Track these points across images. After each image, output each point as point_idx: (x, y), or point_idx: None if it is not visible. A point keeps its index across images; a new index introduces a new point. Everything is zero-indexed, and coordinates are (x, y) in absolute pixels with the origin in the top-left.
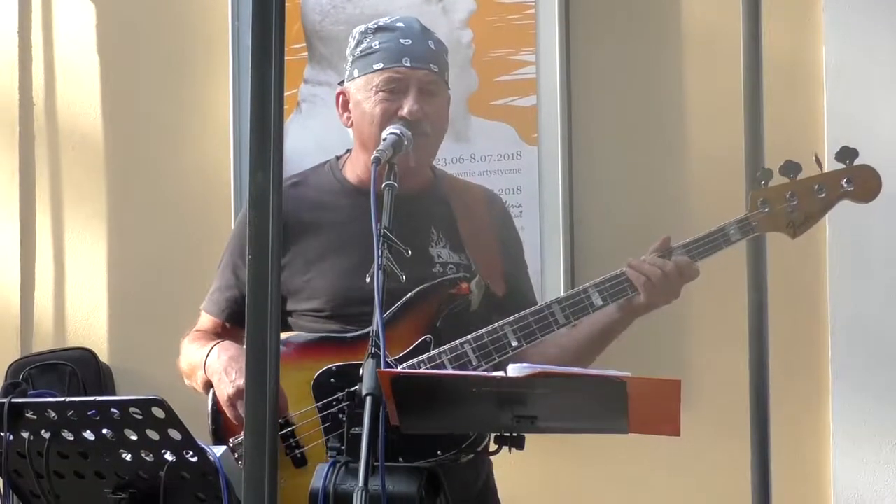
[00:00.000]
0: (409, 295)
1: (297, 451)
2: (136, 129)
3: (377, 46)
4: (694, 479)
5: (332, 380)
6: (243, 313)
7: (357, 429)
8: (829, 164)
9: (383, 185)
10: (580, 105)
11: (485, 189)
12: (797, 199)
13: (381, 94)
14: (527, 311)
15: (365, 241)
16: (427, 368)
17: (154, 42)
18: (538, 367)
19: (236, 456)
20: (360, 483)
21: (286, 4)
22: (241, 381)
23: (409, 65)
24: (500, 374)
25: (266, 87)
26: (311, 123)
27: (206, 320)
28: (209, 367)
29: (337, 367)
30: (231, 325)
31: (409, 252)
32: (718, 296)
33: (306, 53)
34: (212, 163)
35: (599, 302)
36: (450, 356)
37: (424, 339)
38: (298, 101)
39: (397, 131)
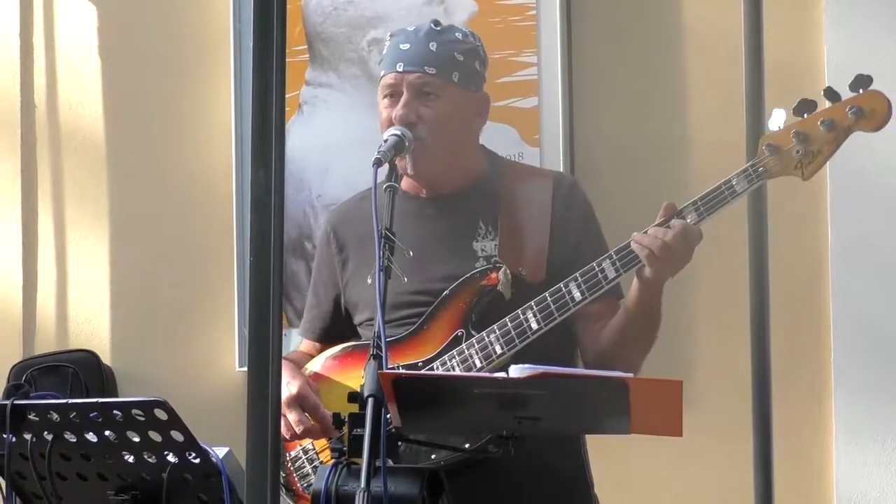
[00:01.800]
0: (444, 293)
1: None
2: (137, 130)
3: (384, 53)
4: (696, 480)
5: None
6: (330, 331)
7: (359, 430)
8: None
9: (384, 186)
10: (582, 106)
11: (553, 174)
12: (803, 137)
13: (385, 99)
14: (547, 291)
15: (408, 245)
16: (457, 362)
17: (155, 44)
18: (540, 368)
19: (291, 468)
20: (363, 484)
21: (288, 6)
22: (293, 389)
23: (401, 69)
24: (501, 375)
25: (267, 88)
26: (313, 125)
27: (302, 344)
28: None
29: None
30: (321, 343)
31: (411, 253)
32: (720, 296)
33: (308, 55)
34: (214, 165)
35: (612, 273)
36: (477, 347)
37: (456, 335)
38: (300, 103)
39: (398, 132)
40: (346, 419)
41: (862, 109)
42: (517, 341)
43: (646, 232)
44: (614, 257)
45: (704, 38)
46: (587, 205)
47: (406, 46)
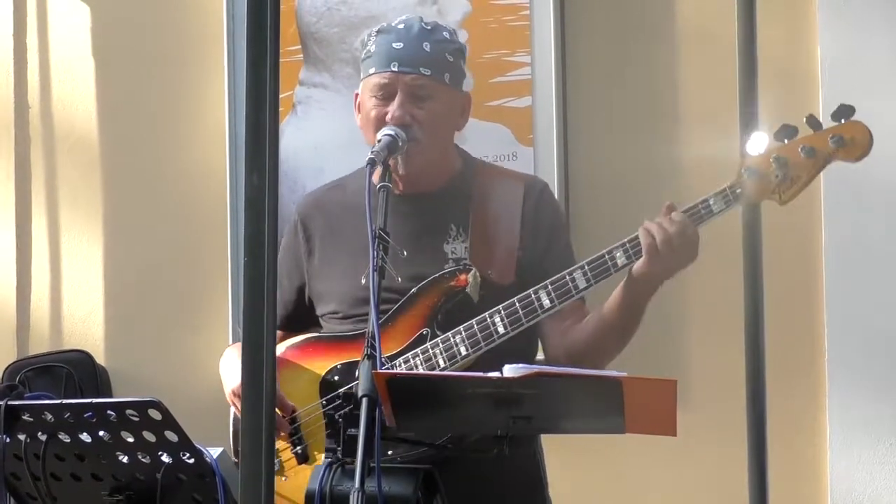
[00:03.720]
0: (411, 291)
1: (299, 448)
2: (131, 130)
3: (373, 50)
4: (690, 479)
5: (336, 377)
6: (290, 318)
7: (353, 430)
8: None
9: (378, 186)
10: (575, 106)
11: (524, 176)
12: (783, 162)
13: (373, 99)
14: (516, 297)
15: (397, 246)
16: (420, 361)
17: (149, 44)
18: (534, 368)
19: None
20: (357, 484)
21: (281, 6)
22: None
23: (396, 69)
24: (495, 374)
25: (261, 88)
26: (307, 125)
27: None
28: (220, 367)
29: (342, 364)
30: (283, 332)
31: (405, 253)
32: (715, 295)
33: (301, 55)
34: (207, 164)
35: (583, 283)
36: (441, 347)
37: (421, 333)
38: (294, 103)
39: (392, 132)
40: (341, 421)
41: (843, 139)
42: (482, 344)
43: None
44: (586, 268)
45: (698, 37)
46: (557, 211)
47: (399, 45)
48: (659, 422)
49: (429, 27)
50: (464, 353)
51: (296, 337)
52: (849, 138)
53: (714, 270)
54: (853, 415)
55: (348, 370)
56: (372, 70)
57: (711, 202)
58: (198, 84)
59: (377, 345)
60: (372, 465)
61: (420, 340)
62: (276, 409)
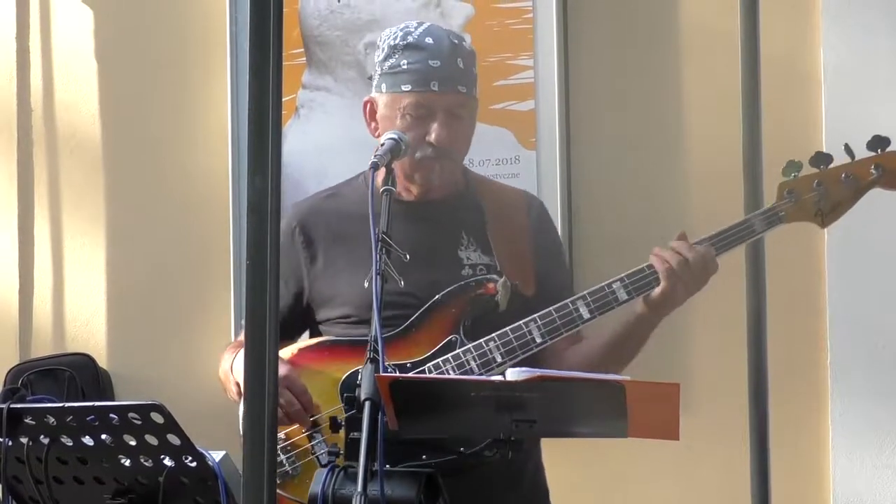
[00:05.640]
0: (436, 297)
1: (320, 452)
2: (134, 133)
3: (405, 66)
4: (693, 483)
5: (358, 381)
6: (283, 324)
7: (356, 433)
8: (861, 155)
9: (382, 189)
10: (578, 109)
11: (522, 192)
12: (824, 187)
13: (408, 117)
14: (552, 307)
15: (400, 250)
16: (452, 367)
17: (152, 47)
18: (537, 371)
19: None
20: (359, 488)
21: (284, 10)
22: (282, 370)
23: (436, 89)
24: (498, 378)
25: (264, 91)
26: (310, 128)
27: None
28: (235, 370)
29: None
30: None
31: (408, 257)
32: (717, 299)
33: (304, 58)
34: (210, 167)
35: (624, 296)
36: (474, 354)
37: (450, 339)
38: (297, 106)
39: (395, 136)
40: (343, 423)
41: (884, 168)
42: (519, 352)
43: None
44: (626, 280)
45: (701, 41)
46: (555, 228)
47: (437, 64)
48: (662, 426)
49: (456, 40)
50: (499, 360)
51: (307, 340)
52: (890, 168)
53: (717, 274)
54: (855, 418)
55: None
56: (407, 87)
57: (754, 224)
58: (201, 87)
59: (380, 348)
60: (375, 468)
61: (449, 346)
62: (304, 407)
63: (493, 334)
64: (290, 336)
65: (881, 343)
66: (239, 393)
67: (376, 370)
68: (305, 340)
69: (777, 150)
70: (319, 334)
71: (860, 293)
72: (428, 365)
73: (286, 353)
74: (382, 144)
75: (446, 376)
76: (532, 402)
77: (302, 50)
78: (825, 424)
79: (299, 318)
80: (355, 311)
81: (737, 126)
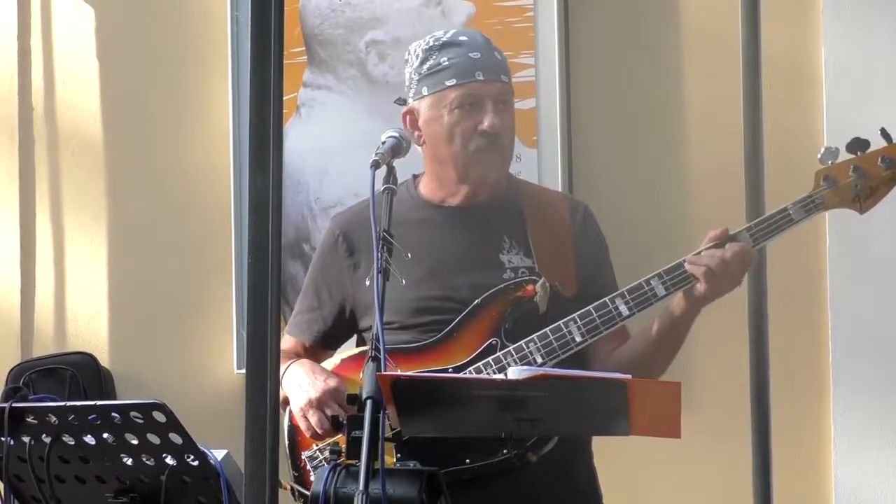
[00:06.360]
0: (476, 301)
1: None
2: (135, 132)
3: (446, 63)
4: (695, 481)
5: None
6: (327, 334)
7: (357, 432)
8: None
9: (382, 188)
10: (579, 108)
11: (565, 195)
12: (861, 172)
13: (456, 111)
14: (591, 306)
15: (432, 252)
16: (493, 370)
17: (153, 46)
18: (539, 370)
19: (308, 467)
20: (361, 486)
21: (285, 8)
22: (332, 382)
23: (482, 78)
24: (500, 377)
25: (265, 90)
26: (311, 127)
27: (286, 342)
28: (285, 382)
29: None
30: (313, 345)
31: (409, 255)
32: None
33: (305, 57)
34: (212, 166)
35: (662, 292)
36: (515, 356)
37: (490, 343)
38: (298, 105)
39: (396, 134)
40: (344, 421)
41: None
42: (559, 352)
43: (698, 254)
44: (665, 276)
45: (702, 39)
46: (600, 230)
47: (477, 56)
48: (664, 424)
49: (486, 38)
50: (539, 361)
51: (349, 350)
52: None
53: None
54: (857, 417)
55: None
56: (451, 82)
57: (792, 212)
58: (202, 86)
59: (381, 347)
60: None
61: (490, 350)
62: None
63: (534, 335)
64: (333, 347)
65: (883, 341)
66: (284, 403)
67: (378, 369)
68: (347, 350)
69: (778, 149)
70: (362, 341)
71: (862, 292)
72: (469, 369)
73: (329, 364)
74: (383, 142)
75: (448, 375)
76: (534, 401)
77: (303, 48)
78: (827, 423)
79: (345, 328)
80: (396, 316)
81: (738, 125)
